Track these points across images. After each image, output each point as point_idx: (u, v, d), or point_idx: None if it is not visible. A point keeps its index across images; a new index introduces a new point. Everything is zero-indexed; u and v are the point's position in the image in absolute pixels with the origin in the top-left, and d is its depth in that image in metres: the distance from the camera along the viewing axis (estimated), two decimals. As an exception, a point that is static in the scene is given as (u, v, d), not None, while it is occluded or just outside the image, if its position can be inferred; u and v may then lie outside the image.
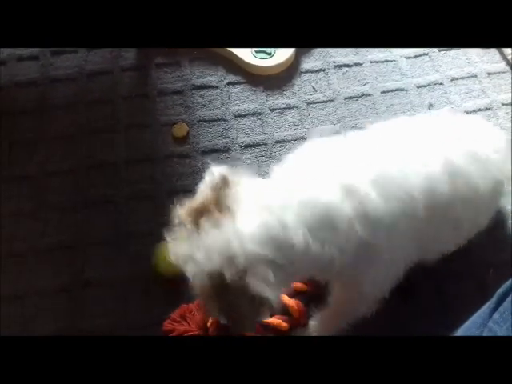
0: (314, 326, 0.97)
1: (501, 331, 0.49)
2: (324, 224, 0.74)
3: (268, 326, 0.96)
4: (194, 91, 1.33)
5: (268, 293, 0.68)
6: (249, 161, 1.21)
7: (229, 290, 0.69)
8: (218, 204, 0.73)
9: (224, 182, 0.75)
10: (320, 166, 0.79)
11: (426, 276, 1.04)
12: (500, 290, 0.54)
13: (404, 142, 0.86)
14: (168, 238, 0.77)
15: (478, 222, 0.95)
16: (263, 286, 0.68)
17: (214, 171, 0.76)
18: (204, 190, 0.76)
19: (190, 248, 0.72)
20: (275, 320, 0.96)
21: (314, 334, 0.96)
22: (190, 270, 0.71)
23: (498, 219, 1.11)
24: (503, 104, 1.29)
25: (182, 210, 0.76)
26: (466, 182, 0.85)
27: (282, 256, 0.71)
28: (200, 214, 0.73)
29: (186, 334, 0.90)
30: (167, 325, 0.92)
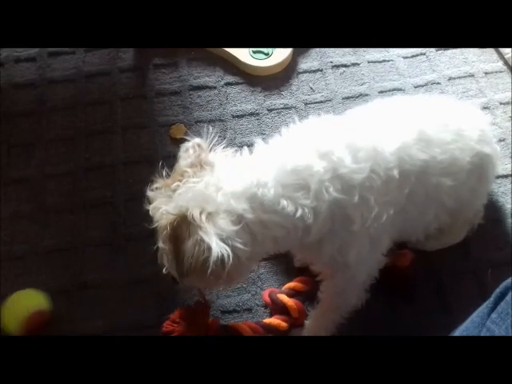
0: (309, 324, 0.97)
1: (499, 331, 0.50)
2: (295, 184, 0.77)
3: (268, 326, 0.96)
4: (191, 92, 1.33)
5: (212, 242, 0.71)
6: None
7: (183, 227, 0.73)
8: (199, 163, 0.80)
9: (201, 147, 0.82)
10: (302, 136, 0.84)
11: (425, 276, 1.05)
12: (498, 290, 0.54)
13: (384, 115, 0.90)
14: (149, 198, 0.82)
15: (461, 195, 0.94)
16: (214, 235, 0.71)
17: (187, 144, 0.83)
18: (183, 156, 0.83)
19: (167, 197, 0.78)
20: (275, 320, 0.97)
21: (309, 333, 0.96)
22: (162, 209, 0.77)
23: (498, 218, 1.11)
24: (500, 103, 1.29)
25: (166, 177, 0.82)
26: (442, 150, 0.87)
27: (252, 212, 0.75)
28: (182, 173, 0.80)
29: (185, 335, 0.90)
30: (166, 326, 0.93)
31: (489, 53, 1.38)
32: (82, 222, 1.16)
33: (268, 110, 1.30)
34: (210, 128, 0.85)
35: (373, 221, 0.82)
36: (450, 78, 1.33)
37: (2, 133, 1.28)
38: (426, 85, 1.32)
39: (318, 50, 1.39)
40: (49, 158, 1.25)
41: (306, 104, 1.30)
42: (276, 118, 1.28)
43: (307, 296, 1.01)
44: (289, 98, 1.31)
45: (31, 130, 1.29)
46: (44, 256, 1.12)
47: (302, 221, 0.77)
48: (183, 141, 1.23)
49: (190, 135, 1.21)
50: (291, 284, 1.02)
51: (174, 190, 0.78)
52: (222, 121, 1.28)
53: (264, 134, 1.25)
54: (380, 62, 1.37)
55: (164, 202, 0.78)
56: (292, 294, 1.00)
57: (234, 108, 1.30)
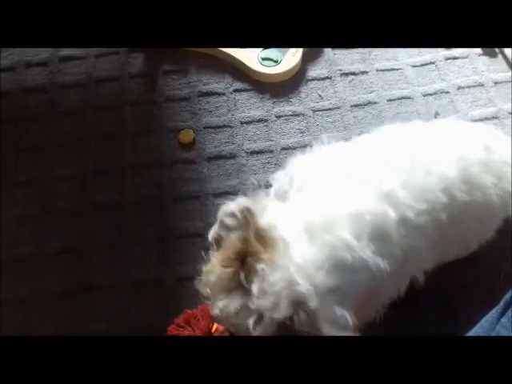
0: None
1: (509, 335, 0.49)
2: (378, 234, 0.69)
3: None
4: (200, 98, 1.33)
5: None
6: (255, 167, 1.22)
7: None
8: (257, 238, 0.64)
9: (250, 214, 0.66)
10: (344, 173, 0.76)
11: (432, 285, 1.03)
12: (508, 295, 0.53)
13: (418, 147, 0.84)
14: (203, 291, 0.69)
15: (483, 234, 0.93)
16: (335, 331, 0.62)
17: (231, 208, 0.67)
18: (230, 234, 0.67)
19: (241, 299, 0.63)
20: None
21: None
22: (249, 323, 0.62)
23: (505, 227, 1.10)
24: (509, 113, 1.29)
25: (215, 262, 0.67)
26: (483, 194, 0.83)
27: (350, 281, 0.66)
28: (240, 257, 0.64)
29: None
30: (172, 330, 0.92)
31: (498, 62, 1.38)
32: (89, 225, 1.17)
33: (276, 117, 1.30)
34: (254, 181, 0.74)
35: (420, 264, 0.81)
36: (460, 87, 1.33)
37: (12, 136, 1.29)
38: (435, 93, 1.32)
39: (327, 57, 1.39)
40: (57, 161, 1.25)
41: (314, 111, 1.30)
42: (284, 124, 1.29)
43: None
44: (297, 105, 1.32)
45: (41, 134, 1.29)
46: (50, 258, 1.13)
47: (386, 270, 0.70)
48: (191, 146, 1.26)
49: (198, 142, 1.25)
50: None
51: (245, 289, 0.63)
52: (230, 127, 1.28)
53: (272, 141, 1.25)
54: (389, 70, 1.37)
55: (242, 307, 0.63)
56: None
57: (243, 114, 1.30)
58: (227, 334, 0.89)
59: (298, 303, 0.60)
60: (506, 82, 1.34)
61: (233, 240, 0.65)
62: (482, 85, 1.34)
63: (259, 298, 0.61)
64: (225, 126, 1.29)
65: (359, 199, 0.70)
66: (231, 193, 1.18)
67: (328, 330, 0.61)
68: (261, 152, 1.24)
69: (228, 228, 0.67)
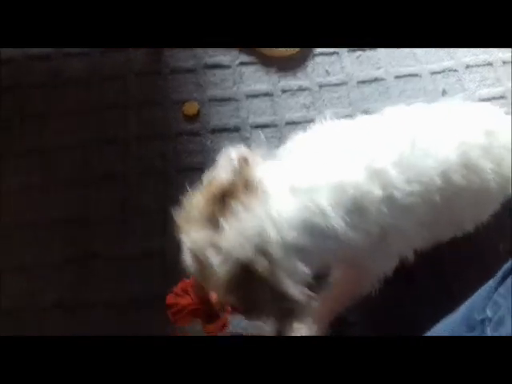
0: (316, 305, 0.96)
1: (506, 304, 0.49)
2: (356, 208, 0.71)
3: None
4: (206, 70, 1.32)
5: (295, 292, 0.65)
6: (258, 141, 1.21)
7: (253, 281, 0.65)
8: (244, 185, 0.68)
9: (245, 163, 0.71)
10: (340, 147, 0.77)
11: (428, 261, 1.04)
12: (506, 266, 0.53)
13: (421, 128, 0.84)
14: (180, 222, 0.72)
15: (479, 216, 0.93)
16: (292, 283, 0.65)
17: (232, 152, 0.72)
18: (223, 171, 0.71)
19: (212, 234, 0.67)
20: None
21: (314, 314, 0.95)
22: (213, 259, 0.66)
23: (504, 205, 1.10)
24: (517, 92, 1.27)
25: (200, 194, 0.71)
26: (480, 179, 0.83)
27: (313, 242, 0.68)
28: (222, 196, 0.68)
29: (188, 308, 0.91)
30: (170, 298, 0.93)
31: (508, 42, 1.36)
32: (92, 195, 1.17)
33: (282, 91, 1.29)
34: (262, 135, 0.77)
35: (407, 243, 0.82)
36: (468, 66, 1.31)
37: (16, 103, 1.29)
38: (443, 71, 1.30)
39: (335, 32, 1.37)
40: (62, 130, 1.25)
41: (320, 86, 1.29)
42: (290, 99, 1.28)
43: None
44: (303, 79, 1.30)
45: (45, 102, 1.29)
46: (53, 227, 1.13)
47: (357, 243, 0.73)
48: (196, 118, 1.25)
49: (202, 114, 1.24)
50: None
51: (218, 225, 0.67)
52: (235, 100, 1.28)
53: (277, 115, 1.25)
54: (397, 46, 1.36)
55: (208, 240, 0.67)
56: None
57: (248, 88, 1.29)
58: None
59: (263, 250, 0.64)
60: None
61: (222, 180, 0.70)
62: (491, 64, 1.32)
63: (228, 236, 0.65)
64: (230, 99, 1.28)
65: (347, 172, 0.72)
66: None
67: (286, 281, 0.64)
68: (265, 126, 1.24)
69: (223, 171, 0.71)
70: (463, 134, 0.85)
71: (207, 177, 0.74)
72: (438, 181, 0.78)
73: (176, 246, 1.07)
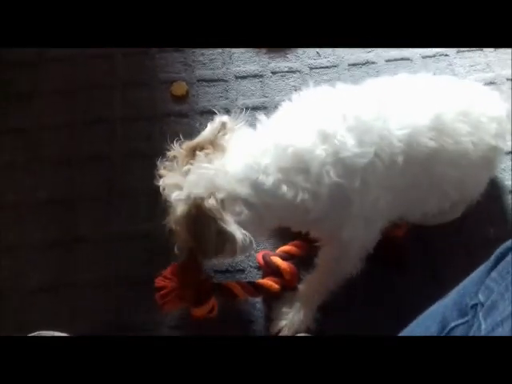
0: (303, 287, 0.97)
1: (498, 289, 0.49)
2: (296, 167, 0.78)
3: (260, 287, 0.96)
4: (194, 50, 1.30)
5: (235, 230, 0.75)
6: (248, 123, 1.19)
7: (202, 218, 0.75)
8: (214, 144, 0.81)
9: (223, 127, 0.83)
10: (303, 113, 0.83)
11: (418, 248, 1.04)
12: (498, 251, 0.53)
13: (395, 95, 0.87)
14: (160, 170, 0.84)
15: (466, 187, 0.93)
16: (232, 222, 0.75)
17: (217, 118, 0.84)
18: (204, 132, 0.84)
19: (179, 177, 0.80)
20: (267, 281, 0.96)
21: (301, 296, 0.96)
22: (174, 196, 0.78)
23: (496, 194, 1.10)
24: (507, 79, 1.27)
25: (178, 146, 0.84)
26: (455, 141, 0.85)
27: (256, 196, 0.77)
28: (195, 150, 0.81)
29: (177, 292, 0.90)
30: (159, 282, 0.92)
31: (500, 27, 1.35)
32: (77, 175, 1.15)
33: (272, 73, 1.27)
34: (244, 111, 0.87)
35: (370, 204, 0.82)
36: (459, 51, 1.31)
37: (0, 81, 1.26)
38: (435, 56, 1.30)
39: (326, 13, 1.35)
40: (46, 109, 1.22)
41: (311, 68, 1.27)
42: (280, 81, 1.26)
43: (301, 260, 1.00)
44: (294, 61, 1.29)
45: (29, 80, 1.26)
46: (37, 208, 1.11)
47: (303, 203, 0.78)
48: (184, 99, 1.23)
49: (191, 95, 1.22)
50: (285, 247, 1.01)
51: (186, 172, 0.79)
52: (224, 81, 1.26)
53: (266, 97, 1.23)
54: (389, 30, 1.34)
55: (175, 183, 0.80)
56: (286, 257, 1.00)
57: (238, 68, 1.27)
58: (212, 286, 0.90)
59: (213, 192, 0.75)
60: (505, 47, 1.32)
61: (201, 136, 0.84)
62: (482, 49, 1.31)
63: (190, 179, 0.78)
64: (219, 80, 1.26)
65: (298, 135, 0.79)
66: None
67: (228, 219, 0.75)
68: (255, 108, 1.22)
69: (205, 131, 0.84)
70: (440, 100, 0.87)
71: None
72: (398, 143, 0.80)
73: (162, 228, 1.08)
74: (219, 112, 1.17)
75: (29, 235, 1.08)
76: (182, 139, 0.86)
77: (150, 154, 1.15)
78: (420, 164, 0.83)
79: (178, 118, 1.21)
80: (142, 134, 1.20)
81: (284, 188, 0.77)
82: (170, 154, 0.84)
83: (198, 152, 0.80)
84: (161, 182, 0.82)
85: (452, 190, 0.90)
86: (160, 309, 0.92)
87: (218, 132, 0.82)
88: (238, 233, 0.75)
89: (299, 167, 0.78)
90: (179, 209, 0.78)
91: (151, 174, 1.14)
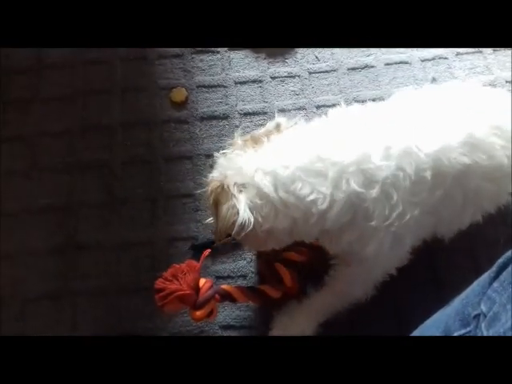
0: (307, 304, 0.96)
1: (500, 299, 0.49)
2: (315, 169, 0.80)
3: (260, 292, 0.95)
4: (193, 55, 1.30)
5: (242, 208, 0.79)
6: (248, 129, 1.19)
7: (221, 194, 0.82)
8: (261, 139, 0.86)
9: (277, 126, 0.88)
10: (339, 125, 0.86)
11: (419, 249, 1.04)
12: (500, 260, 0.53)
13: (430, 109, 0.87)
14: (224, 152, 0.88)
15: (501, 199, 0.93)
16: (244, 202, 0.79)
17: (277, 119, 0.89)
18: (261, 129, 0.89)
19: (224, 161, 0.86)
20: (268, 287, 0.96)
21: (303, 312, 0.95)
22: (210, 175, 0.86)
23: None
24: (507, 81, 1.27)
25: (239, 137, 0.89)
26: (489, 156, 0.84)
27: (272, 188, 0.79)
28: (251, 141, 0.87)
29: (176, 293, 0.90)
30: (159, 283, 0.91)
31: (499, 29, 1.35)
32: (77, 182, 1.15)
33: (271, 78, 1.27)
34: (298, 116, 0.94)
35: (395, 219, 0.81)
36: (458, 54, 1.31)
37: (-1, 89, 1.26)
38: (434, 59, 1.29)
39: (325, 18, 1.35)
40: (45, 116, 1.22)
41: (310, 73, 1.27)
42: (279, 86, 1.26)
43: (309, 273, 1.00)
44: (293, 66, 1.29)
45: (28, 87, 1.26)
46: (37, 215, 1.11)
47: (316, 205, 0.79)
48: (184, 105, 1.23)
49: (190, 101, 1.22)
50: (287, 254, 1.01)
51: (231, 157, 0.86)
52: (223, 86, 1.25)
53: (266, 102, 1.23)
54: (388, 33, 1.34)
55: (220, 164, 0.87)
56: (287, 263, 0.99)
57: (237, 74, 1.27)
58: (213, 289, 0.90)
59: (237, 173, 0.82)
60: (504, 49, 1.32)
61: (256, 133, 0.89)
62: (481, 52, 1.31)
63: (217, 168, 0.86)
64: (218, 86, 1.26)
65: (325, 143, 0.82)
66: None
67: (242, 198, 0.80)
68: (254, 113, 1.22)
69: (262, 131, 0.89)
70: (471, 115, 0.86)
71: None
72: (426, 158, 0.80)
73: (163, 234, 1.08)
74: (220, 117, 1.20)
75: (29, 242, 1.08)
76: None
77: (151, 160, 1.17)
78: (451, 179, 0.82)
79: (178, 124, 1.21)
80: (141, 140, 1.20)
81: (298, 184, 0.79)
82: (229, 142, 0.91)
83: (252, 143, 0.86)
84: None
85: (488, 203, 0.91)
86: (159, 310, 0.92)
87: (271, 130, 0.87)
88: (243, 211, 0.78)
89: (318, 170, 0.80)
90: (210, 186, 0.85)
91: (152, 181, 1.15)
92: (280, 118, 0.89)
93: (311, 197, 0.79)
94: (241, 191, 0.81)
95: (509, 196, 0.95)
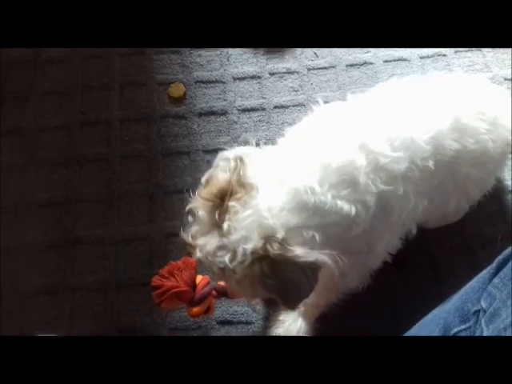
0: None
1: (500, 296, 0.49)
2: (343, 181, 0.73)
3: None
4: (192, 51, 1.29)
5: (316, 255, 0.66)
6: (246, 125, 1.19)
7: (278, 268, 0.66)
8: (240, 184, 0.69)
9: (241, 162, 0.72)
10: (333, 128, 0.79)
11: (418, 247, 1.04)
12: (500, 257, 0.53)
13: (418, 98, 0.86)
14: (187, 237, 0.73)
15: (485, 185, 0.94)
16: (309, 250, 0.66)
17: (227, 154, 0.74)
18: (219, 174, 0.72)
19: (217, 237, 0.69)
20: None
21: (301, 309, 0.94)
22: (227, 259, 0.67)
23: (496, 194, 1.10)
24: (505, 79, 1.27)
25: (199, 199, 0.71)
26: (476, 140, 0.85)
27: (315, 219, 0.70)
28: (222, 198, 0.70)
29: (173, 290, 0.89)
30: (155, 280, 0.91)
31: (498, 27, 1.35)
32: (75, 177, 1.15)
33: (270, 74, 1.27)
34: (255, 140, 0.79)
35: (410, 212, 0.80)
36: (457, 51, 1.31)
37: (-4, 82, 1.25)
38: (433, 56, 1.29)
39: (324, 14, 1.35)
40: (43, 110, 1.22)
41: (309, 69, 1.27)
42: (278, 82, 1.26)
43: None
44: (292, 62, 1.28)
45: (25, 81, 1.25)
46: (36, 209, 1.11)
47: (357, 217, 0.73)
48: (182, 100, 1.23)
49: (188, 96, 1.22)
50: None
51: (227, 230, 0.68)
52: (222, 82, 1.25)
53: (264, 98, 1.23)
54: (387, 30, 1.34)
55: (218, 246, 0.68)
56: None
57: (236, 70, 1.27)
58: (210, 286, 0.90)
59: (267, 235, 0.66)
60: (503, 47, 1.32)
61: (219, 179, 0.71)
62: (480, 49, 1.31)
63: (230, 234, 0.67)
64: (217, 81, 1.25)
65: (334, 149, 0.74)
66: (222, 150, 1.15)
67: (300, 251, 0.66)
68: (253, 109, 1.22)
69: (220, 170, 0.73)
70: (456, 101, 0.86)
71: (205, 179, 0.75)
72: (427, 146, 0.79)
73: (161, 230, 1.08)
74: (218, 114, 1.20)
75: (28, 237, 1.08)
76: (200, 186, 0.74)
77: (148, 155, 1.17)
78: (446, 166, 0.83)
79: (176, 120, 1.21)
80: (139, 135, 1.19)
81: (339, 203, 0.71)
82: (190, 206, 0.73)
83: (229, 203, 0.69)
84: (198, 253, 0.71)
85: (474, 188, 0.91)
86: (157, 307, 0.92)
87: (238, 169, 0.71)
88: (321, 255, 0.67)
89: (346, 180, 0.73)
90: (237, 269, 0.67)
91: (149, 176, 1.15)
92: (235, 152, 0.74)
93: (353, 210, 0.72)
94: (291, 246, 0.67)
95: (493, 181, 0.96)
